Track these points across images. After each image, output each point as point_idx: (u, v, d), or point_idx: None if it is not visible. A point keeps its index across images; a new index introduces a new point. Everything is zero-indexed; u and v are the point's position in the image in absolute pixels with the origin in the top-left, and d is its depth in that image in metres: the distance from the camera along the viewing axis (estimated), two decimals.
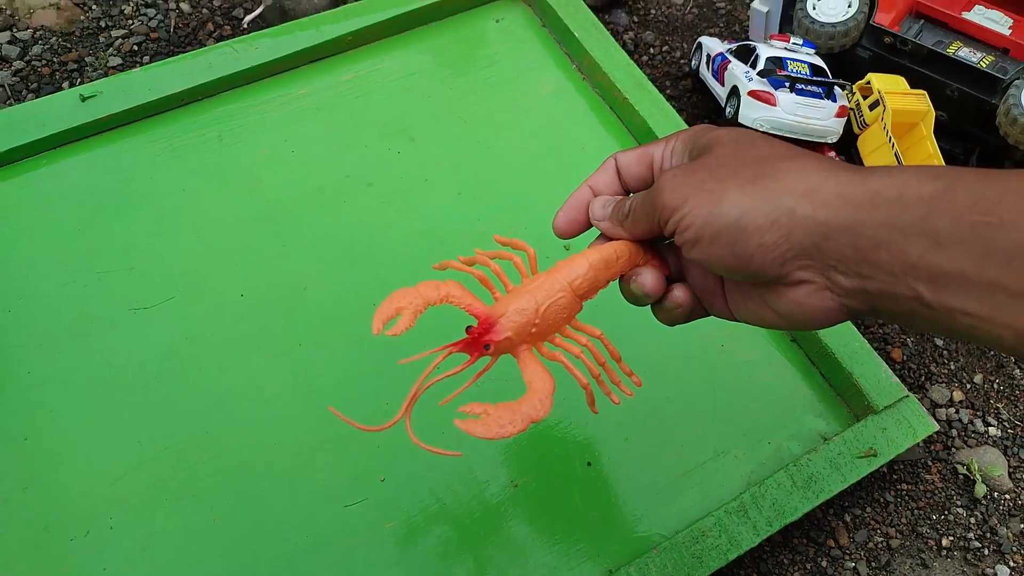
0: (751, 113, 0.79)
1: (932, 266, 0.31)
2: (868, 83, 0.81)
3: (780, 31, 0.90)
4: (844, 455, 0.64)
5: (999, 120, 0.78)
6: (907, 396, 0.67)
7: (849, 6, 0.84)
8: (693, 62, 0.92)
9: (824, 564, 0.66)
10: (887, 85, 0.80)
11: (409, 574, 0.59)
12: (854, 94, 0.82)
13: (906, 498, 0.70)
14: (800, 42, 0.82)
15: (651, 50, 0.97)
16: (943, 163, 0.78)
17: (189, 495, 0.60)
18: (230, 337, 0.67)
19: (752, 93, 0.79)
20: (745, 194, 0.35)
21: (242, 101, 0.80)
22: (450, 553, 0.60)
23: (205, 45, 0.90)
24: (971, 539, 0.68)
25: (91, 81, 0.84)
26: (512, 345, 0.42)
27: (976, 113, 0.81)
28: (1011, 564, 0.67)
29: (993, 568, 0.67)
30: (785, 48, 0.82)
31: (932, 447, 0.72)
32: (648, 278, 0.42)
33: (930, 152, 0.79)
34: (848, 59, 0.86)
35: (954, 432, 0.73)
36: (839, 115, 0.80)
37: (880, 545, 0.67)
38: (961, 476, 0.71)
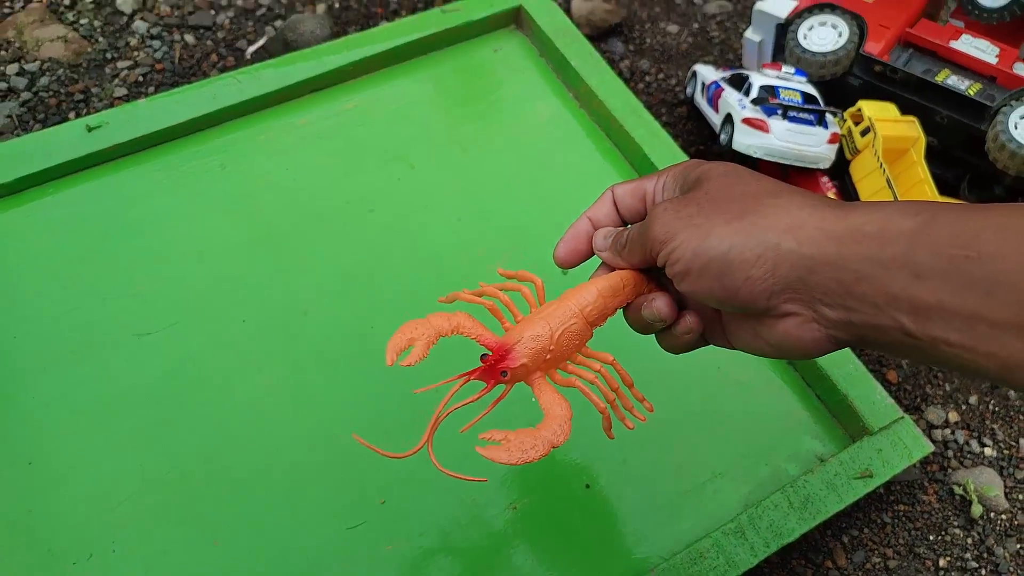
0: (744, 140, 0.80)
1: (914, 298, 0.32)
2: (859, 110, 0.82)
3: (773, 60, 0.92)
4: (840, 476, 0.64)
5: (988, 146, 0.79)
6: (902, 417, 0.67)
7: (839, 36, 0.86)
8: (688, 90, 0.94)
9: None
10: (877, 112, 0.82)
11: None
12: (845, 121, 0.84)
13: (903, 519, 0.70)
14: (792, 71, 0.84)
15: (647, 78, 0.99)
16: (934, 187, 0.80)
17: (191, 518, 0.61)
18: (232, 361, 0.68)
19: (746, 120, 0.80)
20: (732, 229, 0.36)
21: (245, 130, 0.81)
22: (448, 574, 0.60)
23: (209, 76, 0.92)
24: (968, 559, 0.68)
25: (97, 112, 0.85)
26: (527, 372, 0.43)
27: (965, 139, 0.83)
28: None
29: None
30: (777, 76, 0.84)
31: (928, 468, 0.73)
32: (662, 303, 0.43)
33: (921, 177, 0.80)
34: (840, 87, 0.88)
35: (950, 453, 0.74)
36: (831, 141, 0.81)
37: (878, 566, 0.68)
38: (957, 497, 0.71)
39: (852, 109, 0.83)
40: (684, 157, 0.81)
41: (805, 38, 0.87)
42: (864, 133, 0.81)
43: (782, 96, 0.81)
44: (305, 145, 0.81)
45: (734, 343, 0.42)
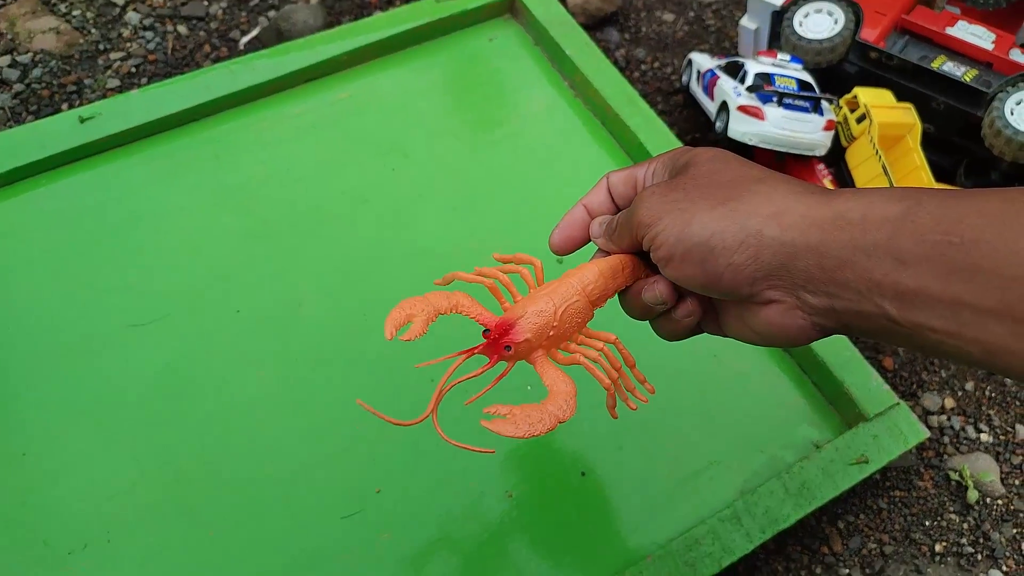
0: (740, 127, 0.80)
1: (897, 285, 0.32)
2: (855, 97, 0.82)
3: (768, 47, 0.92)
4: (836, 462, 0.64)
5: (984, 132, 0.79)
6: (898, 404, 0.67)
7: (835, 23, 0.85)
8: (684, 78, 0.94)
9: (819, 571, 0.66)
10: (873, 99, 0.81)
11: None
12: (841, 108, 0.84)
13: (899, 505, 0.70)
14: (788, 58, 0.84)
15: (642, 66, 0.99)
16: (930, 174, 0.80)
17: (186, 508, 0.61)
18: (226, 353, 0.68)
19: (741, 108, 0.80)
20: (715, 215, 0.36)
21: (238, 121, 0.81)
22: (445, 562, 0.60)
23: (202, 66, 0.92)
24: (964, 544, 0.68)
25: (90, 103, 0.85)
26: (531, 348, 0.42)
27: (962, 125, 0.82)
28: (1004, 569, 0.68)
29: (986, 573, 0.67)
30: (773, 64, 0.83)
31: (924, 454, 0.73)
32: (663, 286, 0.42)
33: (917, 164, 0.80)
34: (835, 74, 0.87)
35: (946, 439, 0.74)
36: (827, 128, 0.81)
37: (874, 551, 0.68)
38: (953, 482, 0.72)
39: (848, 96, 0.83)
40: (680, 145, 0.81)
41: (801, 25, 0.86)
42: (860, 120, 0.81)
43: (778, 83, 0.81)
44: (299, 136, 0.81)
45: (726, 331, 0.42)
